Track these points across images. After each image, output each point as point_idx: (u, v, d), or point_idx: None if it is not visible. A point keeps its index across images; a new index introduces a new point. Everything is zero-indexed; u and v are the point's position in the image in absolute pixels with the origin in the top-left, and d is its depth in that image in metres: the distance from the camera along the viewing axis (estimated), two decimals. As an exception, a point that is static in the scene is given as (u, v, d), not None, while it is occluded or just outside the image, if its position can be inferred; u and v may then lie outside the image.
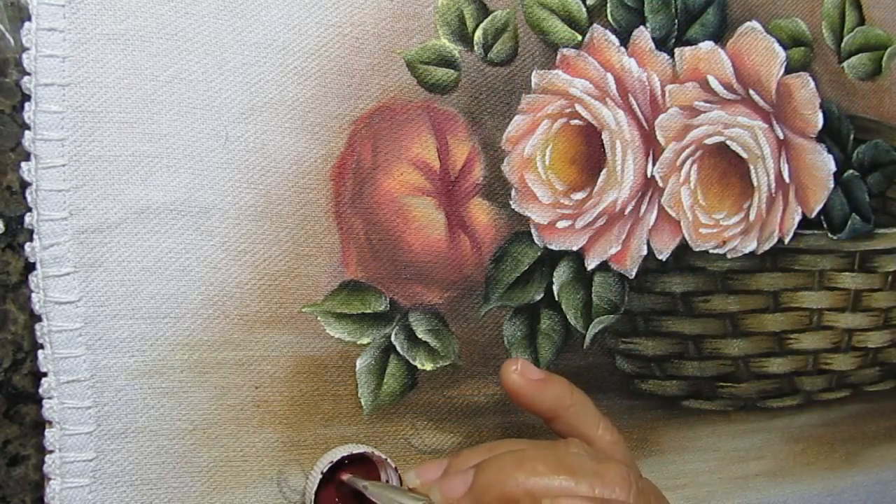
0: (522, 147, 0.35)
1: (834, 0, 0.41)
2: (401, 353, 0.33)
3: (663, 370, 0.38)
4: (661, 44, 0.37)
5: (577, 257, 0.36)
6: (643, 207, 0.37)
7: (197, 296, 0.30)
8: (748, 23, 0.39)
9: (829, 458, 0.42)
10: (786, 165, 0.39)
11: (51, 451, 0.28)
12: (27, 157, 0.28)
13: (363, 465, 0.31)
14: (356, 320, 0.32)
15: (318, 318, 0.31)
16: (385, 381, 0.32)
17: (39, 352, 0.28)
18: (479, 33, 0.34)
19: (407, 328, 0.33)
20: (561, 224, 0.35)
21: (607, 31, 0.36)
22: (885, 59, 0.42)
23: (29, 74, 0.28)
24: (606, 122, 0.36)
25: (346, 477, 0.30)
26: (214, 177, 0.30)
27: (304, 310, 0.31)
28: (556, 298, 0.35)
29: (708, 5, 0.38)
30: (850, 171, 0.41)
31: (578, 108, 0.36)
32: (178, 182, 0.29)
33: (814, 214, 0.40)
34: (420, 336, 0.33)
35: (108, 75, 0.29)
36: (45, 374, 0.28)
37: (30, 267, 0.28)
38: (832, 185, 0.40)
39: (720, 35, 0.38)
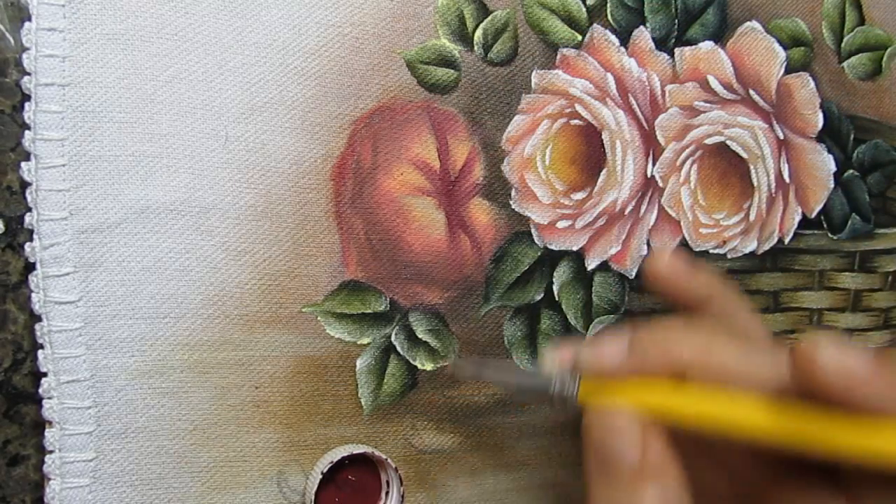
0: (522, 147, 0.35)
1: (834, 0, 0.41)
2: (401, 353, 0.33)
3: (663, 370, 0.38)
4: (661, 44, 0.37)
5: (578, 257, 0.36)
6: (643, 207, 0.37)
7: (197, 296, 0.30)
8: (748, 23, 0.39)
9: (829, 458, 0.42)
10: (786, 165, 0.39)
11: (51, 451, 0.28)
12: (27, 157, 0.28)
13: (363, 465, 0.31)
14: (356, 320, 0.32)
15: (318, 318, 0.31)
16: (385, 381, 0.32)
17: (39, 352, 0.28)
18: (479, 33, 0.34)
19: (407, 328, 0.33)
20: (561, 224, 0.35)
21: (607, 31, 0.36)
22: (885, 59, 0.42)
23: (29, 74, 0.28)
24: (606, 122, 0.36)
25: (450, 363, 0.27)
26: (214, 177, 0.30)
27: (304, 310, 0.31)
28: (557, 298, 0.35)
29: (708, 5, 0.38)
30: (850, 171, 0.41)
31: (578, 108, 0.36)
32: (178, 182, 0.29)
33: (814, 214, 0.40)
34: (420, 336, 0.33)
35: (107, 75, 0.29)
36: (45, 374, 0.28)
37: (30, 267, 0.28)
38: (832, 185, 0.40)
39: (720, 35, 0.38)
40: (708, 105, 0.38)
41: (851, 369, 0.19)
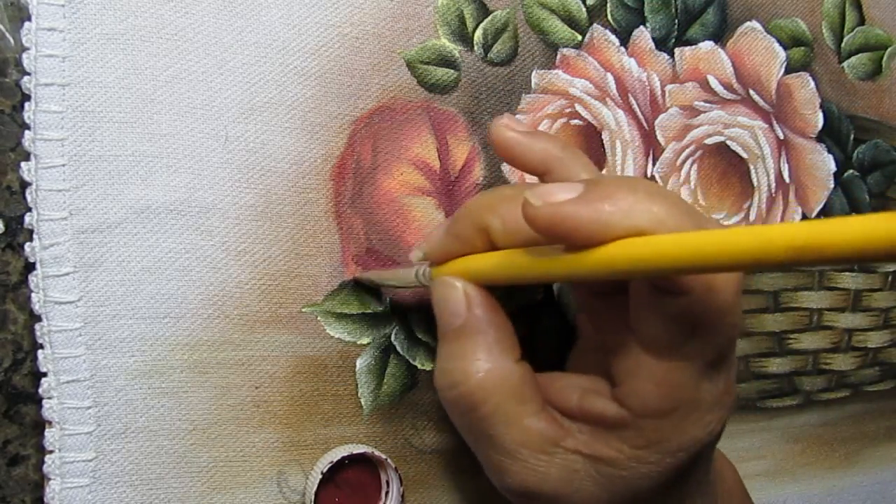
0: (522, 147, 0.35)
1: (834, 0, 0.41)
2: (401, 353, 0.33)
3: (663, 370, 0.38)
4: (661, 44, 0.37)
5: (577, 257, 0.36)
6: (643, 207, 0.37)
7: (197, 296, 0.30)
8: (748, 23, 0.39)
9: (829, 458, 0.42)
10: (786, 165, 0.39)
11: (51, 451, 0.28)
12: (27, 157, 0.28)
13: (363, 465, 0.31)
14: (356, 320, 0.32)
15: (318, 318, 0.31)
16: (385, 381, 0.32)
17: (39, 352, 0.28)
18: (479, 33, 0.34)
19: (407, 328, 0.33)
20: (561, 224, 0.35)
21: (607, 31, 0.36)
22: (885, 59, 0.42)
23: (29, 74, 0.28)
24: (606, 122, 0.36)
25: (357, 274, 0.32)
26: (214, 177, 0.30)
27: (304, 310, 0.31)
28: (557, 298, 0.35)
29: (708, 5, 0.38)
30: (850, 171, 0.41)
31: (578, 107, 0.36)
32: (178, 182, 0.29)
33: (814, 214, 0.40)
34: (420, 336, 0.33)
35: (107, 75, 0.29)
36: (44, 374, 0.28)
37: (30, 267, 0.28)
38: (832, 185, 0.40)
39: (720, 35, 0.38)
40: (708, 105, 0.38)
41: (555, 213, 0.22)
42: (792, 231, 0.17)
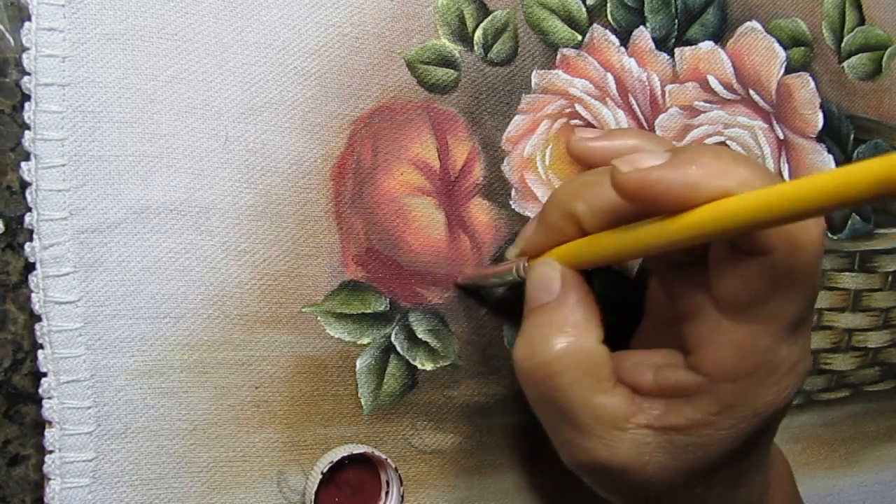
0: (522, 147, 0.35)
1: (834, 0, 0.41)
2: (401, 353, 0.33)
3: (663, 370, 0.38)
4: (661, 44, 0.37)
5: (577, 257, 0.36)
6: (643, 207, 0.37)
7: (197, 296, 0.30)
8: (748, 23, 0.39)
9: (829, 458, 0.42)
10: (786, 165, 0.39)
11: (51, 451, 0.28)
12: (27, 157, 0.28)
13: (363, 465, 0.31)
14: (356, 320, 0.32)
15: (318, 318, 0.31)
16: (385, 381, 0.32)
17: (39, 352, 0.28)
18: (479, 33, 0.34)
19: (407, 328, 0.33)
20: (561, 224, 0.35)
21: (607, 31, 0.36)
22: (885, 59, 0.42)
23: (29, 74, 0.28)
24: (606, 122, 0.36)
25: (460, 280, 0.33)
26: (214, 177, 0.30)
27: (304, 310, 0.31)
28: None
29: (708, 5, 0.38)
30: (850, 171, 0.41)
31: (578, 107, 0.36)
32: (178, 182, 0.29)
33: (814, 214, 0.40)
34: (420, 336, 0.33)
35: (107, 75, 0.29)
36: (45, 374, 0.28)
37: (30, 267, 0.28)
38: (832, 185, 0.40)
39: (720, 35, 0.38)
40: (708, 105, 0.38)
41: (645, 177, 0.23)
42: (875, 165, 0.18)
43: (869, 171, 0.18)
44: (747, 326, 0.24)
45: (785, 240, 0.23)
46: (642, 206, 0.24)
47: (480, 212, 0.34)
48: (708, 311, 0.25)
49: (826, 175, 0.19)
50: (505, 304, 0.34)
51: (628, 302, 0.36)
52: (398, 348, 0.33)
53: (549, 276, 0.28)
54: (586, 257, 0.27)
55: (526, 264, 0.29)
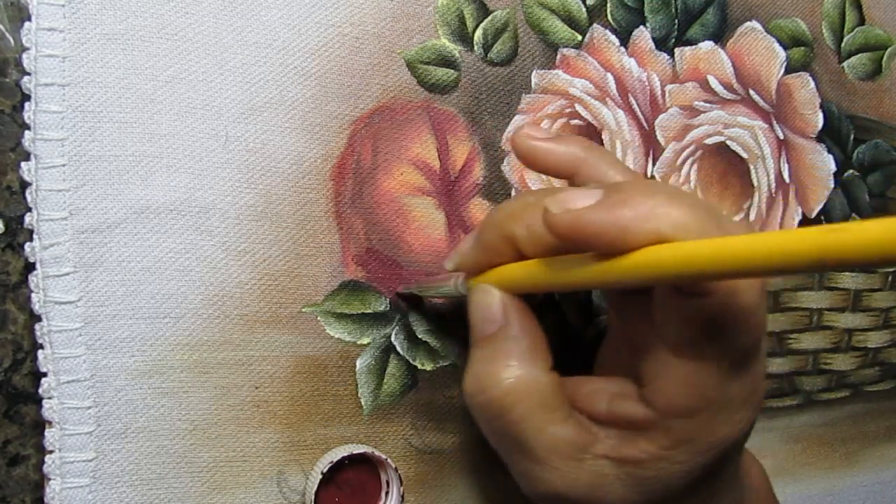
0: (522, 147, 0.35)
1: (834, 0, 0.41)
2: (401, 353, 0.33)
3: (663, 370, 0.38)
4: (661, 44, 0.37)
5: (577, 257, 0.36)
6: (643, 207, 0.37)
7: (197, 296, 0.30)
8: (748, 23, 0.39)
9: (829, 458, 0.42)
10: (786, 165, 0.39)
11: (51, 451, 0.28)
12: (27, 157, 0.28)
13: (363, 465, 0.31)
14: (356, 320, 0.32)
15: (318, 318, 0.31)
16: (385, 381, 0.32)
17: (39, 352, 0.28)
18: (479, 33, 0.34)
19: (407, 328, 0.33)
20: (561, 224, 0.35)
21: (607, 31, 0.36)
22: (885, 59, 0.42)
23: (29, 74, 0.28)
24: (606, 122, 0.36)
25: (401, 289, 0.33)
26: (214, 177, 0.30)
27: (304, 310, 0.31)
28: (556, 298, 0.35)
29: (708, 5, 0.38)
30: (851, 171, 0.41)
31: (578, 107, 0.36)
32: (178, 182, 0.29)
33: (814, 214, 0.40)
34: (420, 336, 0.33)
35: (107, 75, 0.29)
36: (45, 374, 0.28)
37: (30, 267, 0.28)
38: (832, 185, 0.40)
39: (720, 35, 0.38)
40: (708, 105, 0.38)
41: (575, 220, 0.23)
42: (815, 235, 0.17)
43: (810, 240, 0.17)
44: (693, 364, 0.24)
45: (724, 283, 0.23)
46: (575, 247, 0.23)
47: (480, 212, 0.34)
48: (656, 345, 0.25)
49: (764, 237, 0.18)
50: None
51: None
52: (398, 348, 0.33)
53: (490, 304, 0.27)
54: (523, 283, 0.26)
55: (462, 280, 0.29)
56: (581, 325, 0.36)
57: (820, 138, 0.40)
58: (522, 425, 0.26)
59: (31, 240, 0.28)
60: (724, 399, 0.24)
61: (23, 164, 0.28)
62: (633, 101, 0.37)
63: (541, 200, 0.25)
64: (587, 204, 0.23)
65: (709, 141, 0.38)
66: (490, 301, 0.27)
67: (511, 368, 0.26)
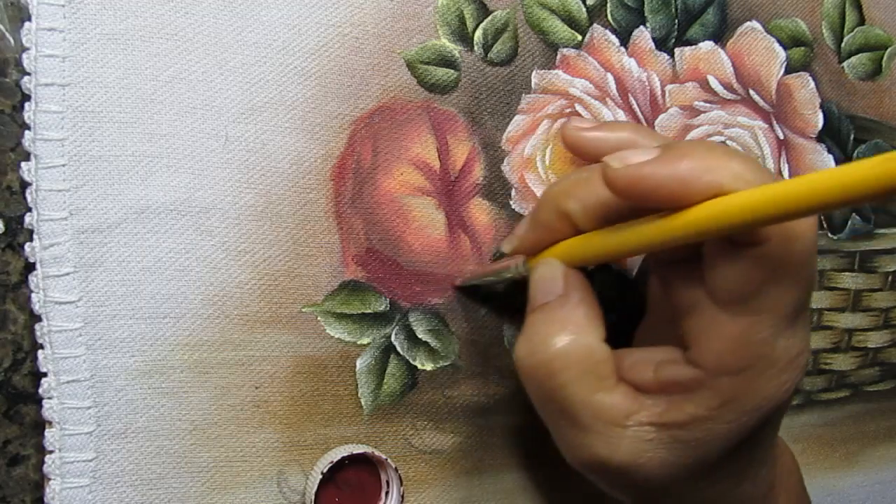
0: (522, 147, 0.35)
1: (834, 0, 0.41)
2: (401, 353, 0.33)
3: (663, 370, 0.38)
4: (661, 44, 0.37)
5: (577, 257, 0.36)
6: (643, 207, 0.37)
7: (197, 296, 0.30)
8: (748, 23, 0.39)
9: (829, 458, 0.42)
10: (786, 165, 0.39)
11: (51, 451, 0.28)
12: (27, 157, 0.28)
13: (363, 465, 0.31)
14: (356, 320, 0.32)
15: (318, 318, 0.31)
16: (385, 381, 0.32)
17: (39, 352, 0.28)
18: (479, 33, 0.34)
19: (407, 328, 0.33)
20: (561, 224, 0.35)
21: (607, 31, 0.36)
22: (885, 59, 0.42)
23: (29, 74, 0.28)
24: (606, 122, 0.36)
25: (458, 282, 0.33)
26: (214, 177, 0.30)
27: (304, 310, 0.31)
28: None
29: (708, 5, 0.38)
30: (850, 171, 0.41)
31: (579, 108, 0.36)
32: (178, 182, 0.29)
33: (814, 214, 0.40)
34: (420, 336, 0.33)
35: (108, 75, 0.29)
36: (45, 374, 0.28)
37: (30, 267, 0.28)
38: (832, 185, 0.40)
39: (720, 35, 0.38)
40: (708, 105, 0.38)
41: (635, 173, 0.23)
42: (873, 164, 0.18)
43: (867, 169, 0.18)
44: (743, 319, 0.24)
45: (778, 230, 0.23)
46: (634, 202, 0.24)
47: (480, 212, 0.34)
48: (704, 304, 0.25)
49: (823, 174, 0.19)
50: (505, 305, 0.34)
51: (629, 301, 0.36)
52: (398, 348, 0.33)
53: (552, 276, 0.28)
54: (583, 256, 0.27)
55: (524, 262, 0.30)
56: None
57: (820, 138, 0.40)
58: (570, 390, 0.26)
59: (31, 240, 0.28)
60: (773, 356, 0.24)
61: (23, 164, 0.28)
62: (633, 101, 0.37)
63: (593, 174, 0.26)
64: (646, 159, 0.23)
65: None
66: (553, 272, 0.28)
67: (566, 333, 0.27)
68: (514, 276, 0.30)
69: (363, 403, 0.32)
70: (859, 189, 0.18)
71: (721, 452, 0.26)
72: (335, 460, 0.30)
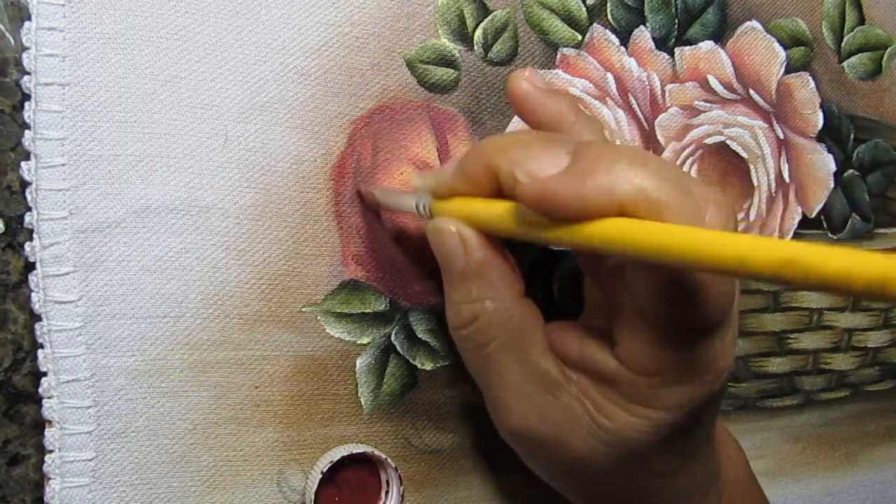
0: (522, 147, 0.35)
1: (834, 0, 0.41)
2: (401, 352, 0.33)
3: (663, 370, 0.38)
4: (661, 43, 0.37)
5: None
6: (643, 207, 0.37)
7: (197, 295, 0.30)
8: (748, 22, 0.39)
9: (829, 458, 0.42)
10: (786, 165, 0.39)
11: (51, 451, 0.28)
12: (27, 156, 0.28)
13: (363, 464, 0.31)
14: (356, 320, 0.32)
15: (318, 318, 0.31)
16: (385, 380, 0.32)
17: (39, 351, 0.28)
18: (479, 33, 0.34)
19: (407, 328, 0.33)
20: (561, 224, 0.35)
21: (607, 31, 0.36)
22: (885, 59, 0.42)
23: (29, 74, 0.28)
24: (606, 122, 0.36)
25: (362, 188, 0.32)
26: (214, 177, 0.30)
27: (304, 309, 0.31)
28: (556, 298, 0.35)
29: (708, 5, 0.38)
30: (850, 170, 0.41)
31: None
32: (178, 182, 0.29)
33: (814, 214, 0.40)
34: (420, 336, 0.33)
35: (107, 75, 0.29)
36: (44, 374, 0.28)
37: (30, 266, 0.28)
38: (832, 185, 0.40)
39: (720, 35, 0.38)
40: (708, 105, 0.38)
41: (541, 190, 0.23)
42: (780, 246, 0.17)
43: (770, 249, 0.17)
44: (659, 327, 0.24)
45: None
46: (545, 215, 0.23)
47: (480, 211, 0.34)
48: (627, 307, 0.25)
49: (705, 233, 0.19)
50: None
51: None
52: (398, 348, 0.33)
53: (451, 242, 0.27)
54: (485, 223, 0.26)
55: (428, 203, 0.28)
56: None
57: (820, 138, 0.40)
58: (501, 355, 0.27)
59: (31, 239, 0.28)
60: (690, 361, 0.25)
61: (23, 163, 0.28)
62: (633, 101, 0.37)
63: (536, 140, 0.25)
64: (552, 173, 0.23)
65: (709, 141, 0.38)
66: (449, 239, 0.27)
67: (486, 302, 0.27)
68: (413, 211, 0.29)
69: (363, 403, 0.32)
70: (760, 267, 0.17)
71: (647, 446, 0.26)
72: (335, 460, 0.30)
